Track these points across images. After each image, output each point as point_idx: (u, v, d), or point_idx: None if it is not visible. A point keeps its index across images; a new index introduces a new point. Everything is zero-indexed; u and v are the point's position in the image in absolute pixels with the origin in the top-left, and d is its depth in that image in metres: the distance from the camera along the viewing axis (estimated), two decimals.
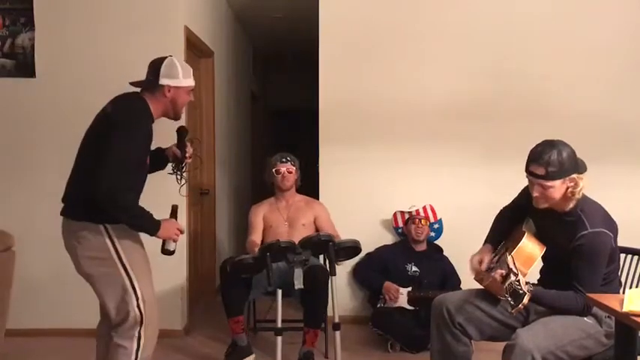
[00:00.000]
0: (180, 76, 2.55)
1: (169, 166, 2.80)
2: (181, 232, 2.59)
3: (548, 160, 2.41)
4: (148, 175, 2.64)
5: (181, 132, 2.74)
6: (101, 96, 3.95)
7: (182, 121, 2.87)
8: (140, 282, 2.50)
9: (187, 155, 2.72)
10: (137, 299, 2.48)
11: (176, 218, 2.67)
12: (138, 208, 2.46)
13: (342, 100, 4.41)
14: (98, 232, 2.45)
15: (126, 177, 2.39)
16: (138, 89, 2.62)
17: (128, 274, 2.48)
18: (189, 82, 2.60)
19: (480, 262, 2.70)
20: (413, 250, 4.14)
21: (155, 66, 2.56)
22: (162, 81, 2.53)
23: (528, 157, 2.49)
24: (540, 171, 2.42)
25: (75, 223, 2.49)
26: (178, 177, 2.76)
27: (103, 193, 2.33)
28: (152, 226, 2.48)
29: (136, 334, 2.49)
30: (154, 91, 2.55)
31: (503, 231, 2.82)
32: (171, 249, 2.60)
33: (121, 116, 2.47)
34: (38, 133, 4.03)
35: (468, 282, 3.03)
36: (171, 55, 2.62)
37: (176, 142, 2.76)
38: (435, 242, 4.28)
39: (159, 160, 2.74)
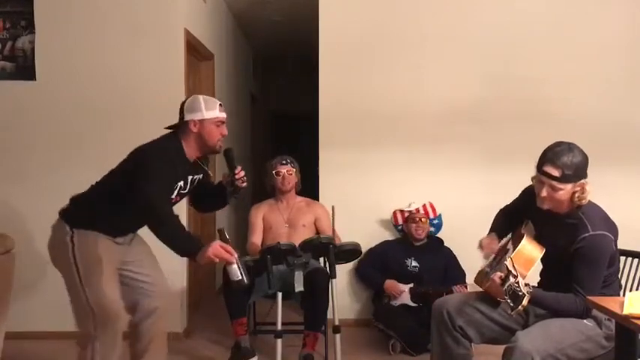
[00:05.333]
0: (203, 109, 2.59)
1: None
2: (230, 254, 2.42)
3: (566, 162, 2.39)
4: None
5: (227, 154, 2.73)
6: (101, 98, 4.02)
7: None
8: (90, 287, 2.53)
9: (237, 177, 2.69)
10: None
11: (231, 169, 2.68)
12: (175, 222, 2.45)
13: (342, 102, 4.41)
14: (63, 230, 2.56)
15: (163, 191, 2.47)
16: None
17: (80, 278, 2.53)
18: (214, 113, 2.61)
19: (490, 244, 2.71)
20: (412, 245, 4.14)
21: (180, 106, 2.64)
22: (187, 117, 2.60)
23: (544, 156, 2.46)
24: (556, 172, 2.41)
25: (57, 220, 2.64)
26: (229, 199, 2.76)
27: (144, 199, 2.40)
28: (190, 244, 2.44)
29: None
30: (184, 130, 2.61)
31: (504, 227, 2.82)
32: (236, 278, 2.44)
33: (149, 147, 2.57)
34: (38, 136, 4.03)
35: (471, 280, 3.03)
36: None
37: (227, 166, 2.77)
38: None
39: (220, 193, 2.77)
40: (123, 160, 2.62)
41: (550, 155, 2.44)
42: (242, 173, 2.72)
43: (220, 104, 2.67)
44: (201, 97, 2.65)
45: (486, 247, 2.72)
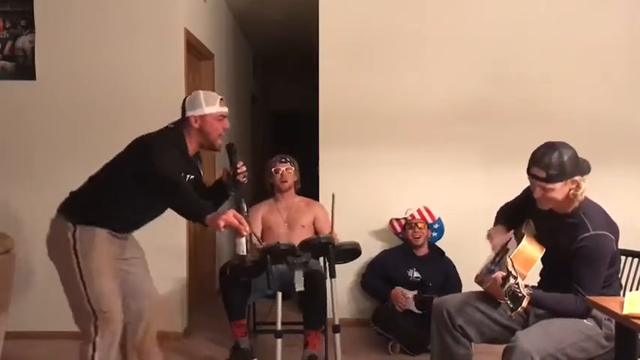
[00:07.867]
0: (203, 105, 2.62)
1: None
2: (243, 225, 2.31)
3: (549, 162, 2.41)
4: None
5: (229, 149, 2.75)
6: (101, 98, 4.02)
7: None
8: (92, 286, 2.51)
9: (239, 172, 2.70)
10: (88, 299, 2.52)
11: (233, 164, 2.69)
12: (189, 189, 2.46)
13: (343, 102, 4.41)
14: (65, 226, 2.54)
15: (172, 166, 2.46)
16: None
17: (82, 276, 2.50)
18: (214, 108, 2.63)
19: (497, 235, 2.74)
20: (414, 255, 4.11)
21: (183, 104, 2.67)
22: (188, 113, 2.63)
23: (530, 159, 2.50)
24: (541, 174, 2.43)
25: (56, 216, 2.62)
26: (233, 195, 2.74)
27: (154, 172, 2.39)
28: (203, 208, 2.36)
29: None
30: (186, 126, 2.64)
31: (510, 221, 2.82)
32: (241, 253, 2.37)
33: (151, 136, 2.59)
34: (38, 136, 4.03)
35: (470, 285, 3.03)
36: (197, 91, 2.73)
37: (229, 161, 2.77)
38: (437, 244, 4.26)
39: (220, 190, 2.77)
40: (122, 151, 2.60)
41: (535, 157, 2.48)
42: (244, 168, 2.72)
43: (221, 98, 2.69)
44: (201, 93, 2.68)
45: (495, 239, 2.74)
